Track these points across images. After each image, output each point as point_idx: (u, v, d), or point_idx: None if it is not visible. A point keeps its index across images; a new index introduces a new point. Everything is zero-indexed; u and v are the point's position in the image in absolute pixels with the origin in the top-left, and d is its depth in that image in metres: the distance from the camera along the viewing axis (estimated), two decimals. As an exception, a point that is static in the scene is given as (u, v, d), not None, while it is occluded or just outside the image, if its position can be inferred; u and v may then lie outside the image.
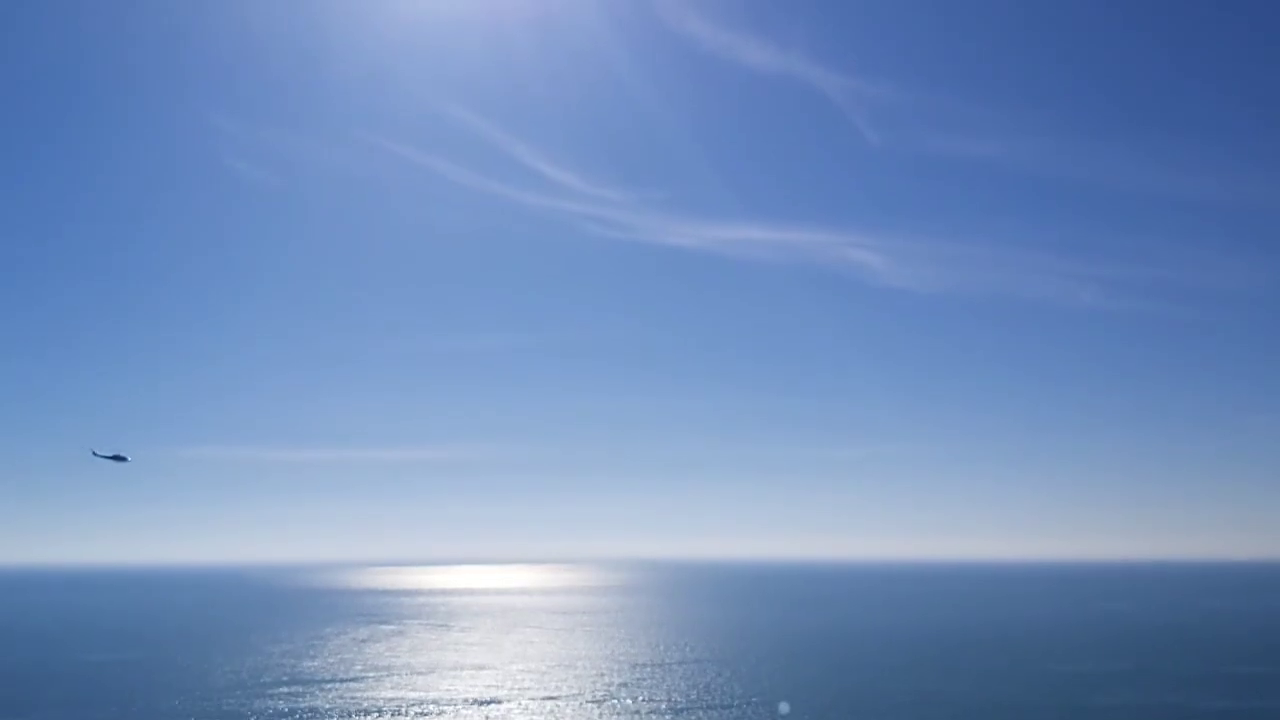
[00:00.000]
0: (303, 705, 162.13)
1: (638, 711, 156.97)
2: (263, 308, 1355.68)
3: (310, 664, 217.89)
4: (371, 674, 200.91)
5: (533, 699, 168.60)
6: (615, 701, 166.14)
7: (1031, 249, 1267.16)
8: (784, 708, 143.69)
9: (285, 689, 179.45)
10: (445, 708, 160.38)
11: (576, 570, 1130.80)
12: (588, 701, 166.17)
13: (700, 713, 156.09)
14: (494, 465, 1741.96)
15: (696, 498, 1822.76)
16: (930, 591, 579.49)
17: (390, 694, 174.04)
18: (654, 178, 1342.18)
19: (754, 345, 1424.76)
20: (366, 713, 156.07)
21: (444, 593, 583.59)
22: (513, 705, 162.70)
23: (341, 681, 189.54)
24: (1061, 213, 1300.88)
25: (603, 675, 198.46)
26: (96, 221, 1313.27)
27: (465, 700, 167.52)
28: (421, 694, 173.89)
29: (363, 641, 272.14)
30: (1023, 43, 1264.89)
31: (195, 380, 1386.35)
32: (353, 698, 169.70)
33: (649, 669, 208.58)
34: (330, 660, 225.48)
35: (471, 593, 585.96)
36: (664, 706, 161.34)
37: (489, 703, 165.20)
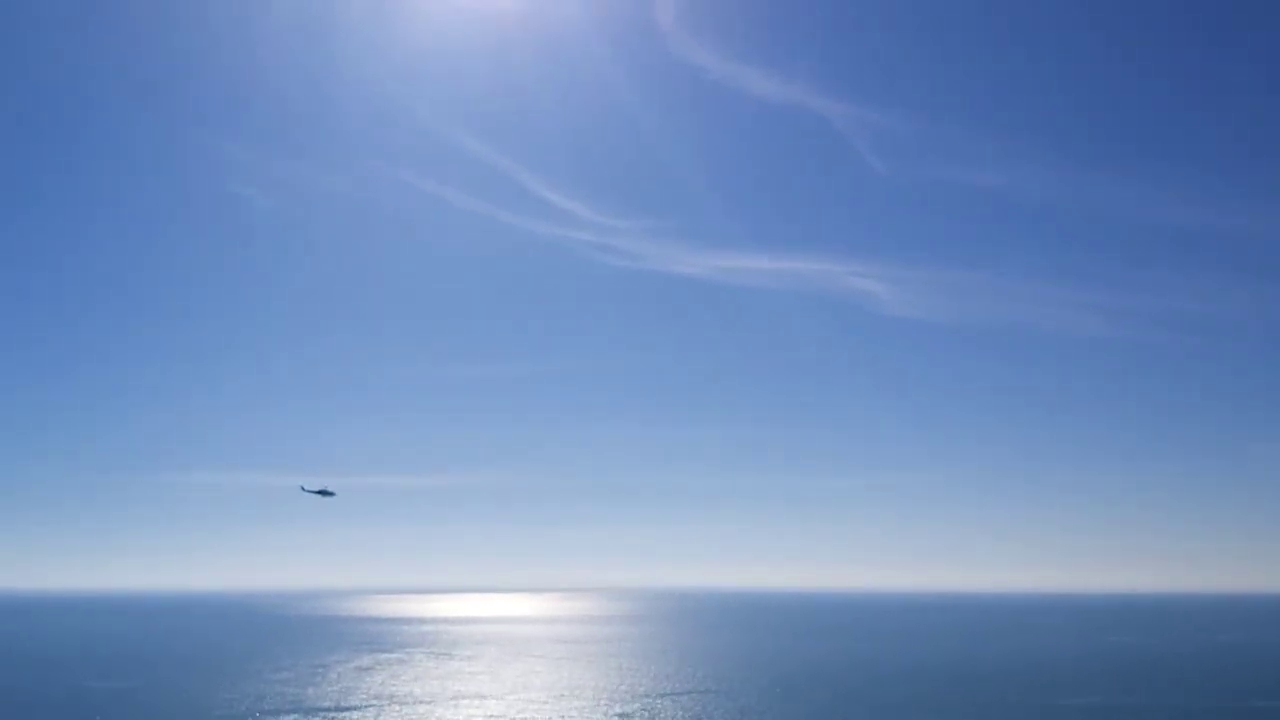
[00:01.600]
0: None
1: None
2: (268, 334, 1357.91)
3: (312, 692, 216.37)
4: (374, 703, 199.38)
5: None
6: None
7: (1036, 279, 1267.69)
8: None
9: (286, 717, 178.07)
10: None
11: (580, 599, 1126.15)
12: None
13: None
14: (499, 493, 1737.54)
15: (700, 527, 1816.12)
16: (934, 623, 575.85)
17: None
18: (661, 207, 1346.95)
19: (758, 374, 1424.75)
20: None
21: (447, 621, 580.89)
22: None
23: (343, 710, 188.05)
24: (1066, 243, 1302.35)
25: (605, 705, 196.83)
26: (104, 248, 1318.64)
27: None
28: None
29: (365, 670, 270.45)
30: (1028, 74, 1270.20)
31: (199, 405, 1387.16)
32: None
33: (652, 699, 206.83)
34: (332, 688, 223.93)
35: (474, 621, 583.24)
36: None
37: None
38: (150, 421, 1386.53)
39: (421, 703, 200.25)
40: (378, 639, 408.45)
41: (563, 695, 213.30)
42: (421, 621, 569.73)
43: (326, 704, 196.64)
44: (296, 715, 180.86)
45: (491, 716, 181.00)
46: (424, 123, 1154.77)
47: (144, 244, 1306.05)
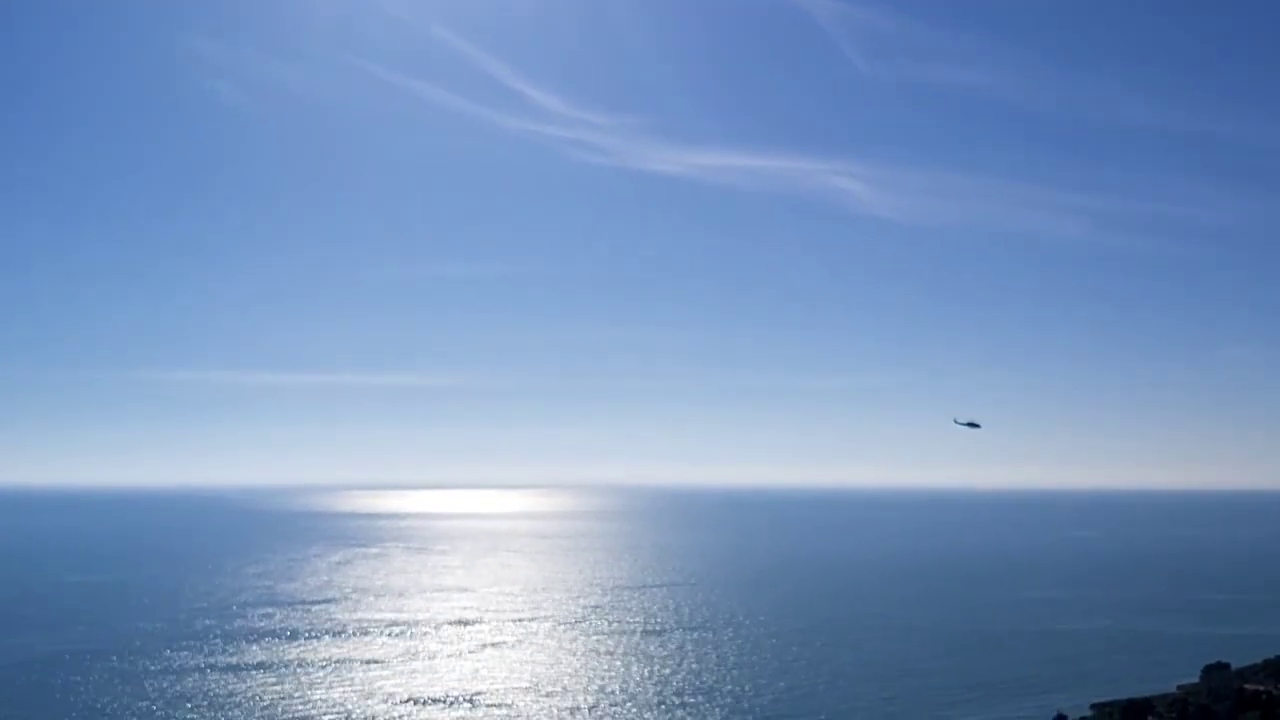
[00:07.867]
0: (280, 626, 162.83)
1: (613, 633, 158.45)
2: (241, 232, 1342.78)
3: (289, 586, 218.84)
4: (351, 596, 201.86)
5: (510, 620, 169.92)
6: (591, 623, 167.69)
7: (1019, 181, 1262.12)
8: None
9: (263, 610, 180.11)
10: (424, 629, 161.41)
11: (557, 495, 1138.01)
12: (564, 623, 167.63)
13: (672, 634, 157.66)
14: (475, 391, 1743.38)
15: (675, 425, 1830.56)
16: (907, 519, 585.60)
17: (369, 615, 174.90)
18: (638, 103, 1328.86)
19: (734, 274, 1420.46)
20: (345, 634, 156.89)
21: (424, 516, 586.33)
22: (489, 626, 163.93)
23: (320, 603, 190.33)
24: (1049, 145, 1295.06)
25: (579, 597, 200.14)
26: (74, 146, 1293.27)
27: (443, 621, 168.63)
28: (400, 615, 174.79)
29: (342, 564, 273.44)
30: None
31: (176, 304, 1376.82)
32: (331, 619, 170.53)
33: (625, 591, 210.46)
34: (309, 582, 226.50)
35: (451, 517, 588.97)
36: (639, 628, 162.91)
37: (467, 623, 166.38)
38: (127, 319, 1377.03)
39: (398, 595, 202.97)
40: (355, 534, 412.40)
41: (537, 588, 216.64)
42: (399, 517, 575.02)
43: (303, 597, 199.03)
44: (273, 608, 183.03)
45: (467, 608, 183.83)
46: (396, 15, 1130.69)
47: (116, 141, 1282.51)
